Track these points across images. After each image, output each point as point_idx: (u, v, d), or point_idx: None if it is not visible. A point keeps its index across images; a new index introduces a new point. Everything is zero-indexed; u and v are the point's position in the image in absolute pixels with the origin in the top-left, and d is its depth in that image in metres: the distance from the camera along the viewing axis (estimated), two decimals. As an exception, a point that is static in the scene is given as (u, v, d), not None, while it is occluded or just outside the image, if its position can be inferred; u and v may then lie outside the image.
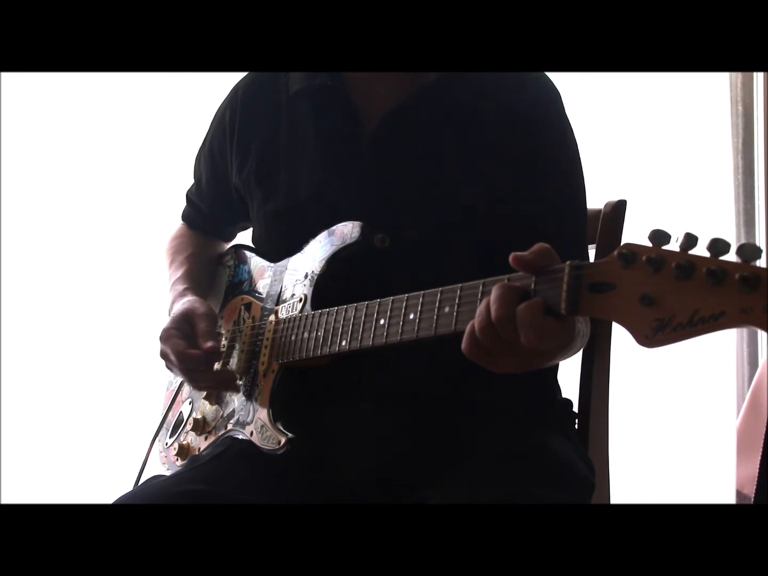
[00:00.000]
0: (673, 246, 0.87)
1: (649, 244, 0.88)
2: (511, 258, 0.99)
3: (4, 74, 2.24)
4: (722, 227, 2.66)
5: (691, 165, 2.66)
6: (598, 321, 1.28)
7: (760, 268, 0.81)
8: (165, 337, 1.35)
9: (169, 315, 1.42)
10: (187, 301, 1.41)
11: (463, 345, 1.03)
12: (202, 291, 1.50)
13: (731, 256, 0.83)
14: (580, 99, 2.15)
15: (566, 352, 1.08)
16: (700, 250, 0.85)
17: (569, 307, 0.94)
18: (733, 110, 2.73)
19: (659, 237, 0.87)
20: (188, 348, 1.33)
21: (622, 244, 0.90)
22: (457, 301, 1.07)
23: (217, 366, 1.39)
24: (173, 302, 1.45)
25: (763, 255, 0.83)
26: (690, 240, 0.85)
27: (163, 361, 1.38)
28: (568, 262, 0.95)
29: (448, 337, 1.07)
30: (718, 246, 0.83)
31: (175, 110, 2.40)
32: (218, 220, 1.62)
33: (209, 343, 1.32)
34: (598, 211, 1.51)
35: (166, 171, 2.34)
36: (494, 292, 0.99)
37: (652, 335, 0.87)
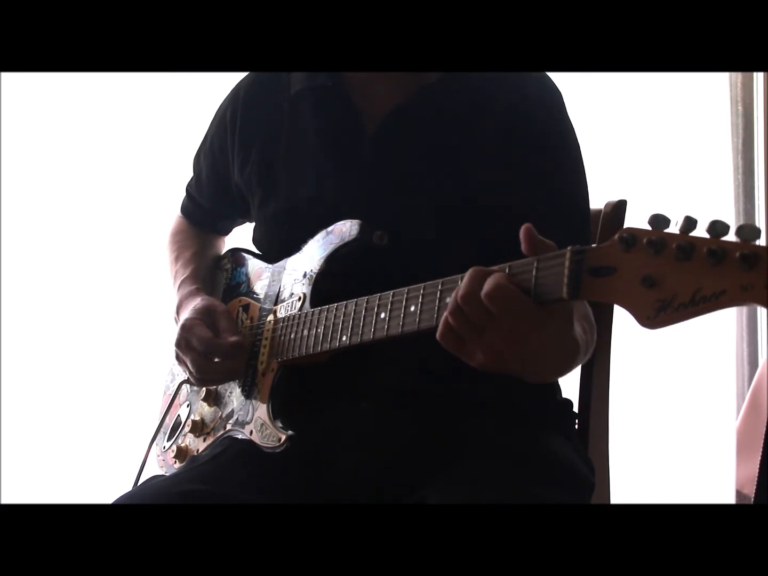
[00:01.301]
0: (673, 229, 0.87)
1: (649, 228, 0.89)
2: (525, 227, 1.00)
3: (4, 74, 2.24)
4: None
5: (691, 165, 2.66)
6: (598, 321, 1.28)
7: (759, 246, 0.82)
8: (189, 325, 1.37)
9: (179, 311, 1.44)
10: (204, 298, 1.44)
11: (438, 332, 1.04)
12: (209, 291, 1.51)
13: (730, 237, 0.84)
14: (580, 99, 2.15)
15: (547, 358, 1.06)
16: (700, 232, 0.86)
17: (571, 291, 0.95)
18: (733, 110, 2.73)
19: (659, 221, 0.88)
20: (214, 338, 1.35)
21: (622, 228, 0.91)
22: None
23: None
24: (184, 299, 1.46)
25: (763, 236, 0.83)
26: (689, 223, 0.86)
27: (175, 351, 1.40)
28: (569, 247, 0.96)
29: None
30: (717, 227, 0.84)
31: (175, 110, 2.40)
32: (217, 216, 1.63)
33: (234, 338, 1.35)
34: (599, 211, 1.51)
35: (166, 171, 2.33)
36: (466, 274, 1.02)
37: (654, 316, 0.88)
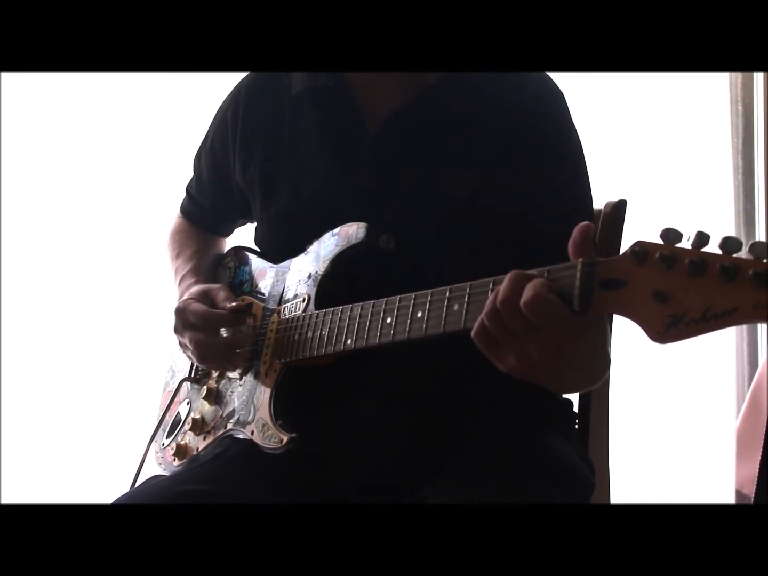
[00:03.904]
0: (685, 244, 0.88)
1: (661, 242, 0.89)
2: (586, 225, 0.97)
3: (4, 74, 2.24)
4: (722, 227, 2.66)
5: (691, 165, 2.66)
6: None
7: None
8: (182, 306, 1.37)
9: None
10: (201, 284, 1.44)
11: (473, 330, 1.02)
12: None
13: (742, 254, 0.84)
14: (580, 99, 2.15)
15: (580, 371, 1.05)
16: (712, 248, 0.86)
17: (582, 304, 0.94)
18: (733, 110, 2.73)
19: (671, 235, 0.88)
20: (211, 309, 1.35)
21: (634, 241, 0.91)
22: (466, 299, 1.07)
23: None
24: (184, 292, 1.46)
25: None
26: (702, 238, 0.87)
27: (176, 338, 1.39)
28: (580, 259, 0.96)
29: (457, 335, 1.07)
30: (729, 244, 0.85)
31: (175, 110, 2.40)
32: (217, 217, 1.62)
33: (233, 303, 1.35)
34: (598, 211, 1.51)
35: (166, 171, 2.33)
36: (506, 278, 0.99)
37: (664, 331, 0.88)
